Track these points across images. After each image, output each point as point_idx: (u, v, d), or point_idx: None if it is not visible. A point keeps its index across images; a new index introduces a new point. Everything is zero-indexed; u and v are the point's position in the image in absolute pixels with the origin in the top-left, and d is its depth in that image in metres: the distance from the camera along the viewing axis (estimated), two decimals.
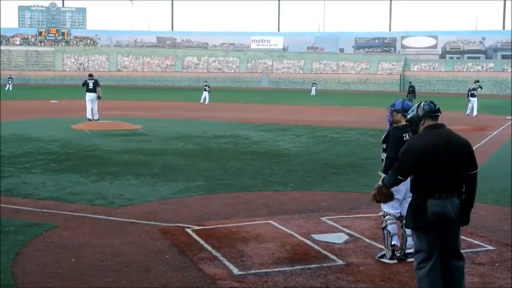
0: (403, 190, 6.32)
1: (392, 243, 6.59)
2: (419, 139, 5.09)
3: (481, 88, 32.83)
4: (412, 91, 36.62)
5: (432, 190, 4.92)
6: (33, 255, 6.73)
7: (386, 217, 6.65)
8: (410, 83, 39.68)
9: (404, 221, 6.03)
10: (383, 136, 6.82)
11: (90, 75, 25.31)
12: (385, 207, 6.63)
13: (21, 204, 9.28)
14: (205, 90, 40.92)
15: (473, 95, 30.94)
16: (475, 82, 33.08)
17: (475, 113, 30.45)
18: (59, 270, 6.29)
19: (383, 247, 6.82)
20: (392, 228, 6.62)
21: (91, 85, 24.12)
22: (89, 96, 24.08)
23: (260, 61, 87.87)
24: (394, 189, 6.01)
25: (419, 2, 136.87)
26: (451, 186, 4.95)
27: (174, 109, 34.21)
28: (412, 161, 5.01)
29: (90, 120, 23.79)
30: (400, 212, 6.61)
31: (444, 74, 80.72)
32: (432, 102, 5.23)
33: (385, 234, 6.65)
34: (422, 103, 5.26)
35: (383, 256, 6.69)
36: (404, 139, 6.31)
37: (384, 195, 5.49)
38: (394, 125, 6.77)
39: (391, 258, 6.61)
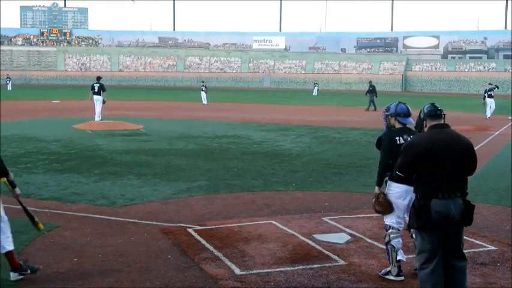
0: (405, 205, 5.96)
1: (398, 258, 6.08)
2: (421, 137, 5.17)
3: (498, 88, 32.54)
4: (372, 90, 36.39)
5: (435, 190, 4.93)
6: (35, 255, 6.73)
7: (389, 231, 6.13)
8: (370, 82, 39.20)
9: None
10: (375, 141, 6.43)
11: (98, 78, 25.90)
12: (388, 220, 6.16)
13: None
14: (202, 90, 40.93)
15: (490, 96, 30.64)
16: (490, 84, 32.92)
17: (489, 114, 30.12)
18: (61, 270, 6.30)
19: (386, 255, 6.39)
20: (396, 242, 6.10)
21: (96, 89, 25.15)
22: (94, 98, 25.04)
23: (262, 61, 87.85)
24: (394, 204, 5.98)
25: (421, 2, 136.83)
26: (454, 186, 4.97)
27: (175, 109, 34.23)
28: (411, 158, 5.05)
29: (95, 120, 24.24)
30: (403, 226, 6.17)
31: (446, 74, 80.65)
32: (433, 103, 5.28)
33: (389, 250, 6.15)
34: (424, 106, 5.31)
35: (388, 273, 6.17)
36: (398, 142, 5.97)
37: (381, 203, 5.41)
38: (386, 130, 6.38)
39: (397, 275, 6.09)
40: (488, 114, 30.05)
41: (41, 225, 6.55)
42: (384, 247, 6.82)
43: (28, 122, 24.18)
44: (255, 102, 44.17)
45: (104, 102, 24.89)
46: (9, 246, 6.04)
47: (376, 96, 35.79)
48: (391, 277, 6.12)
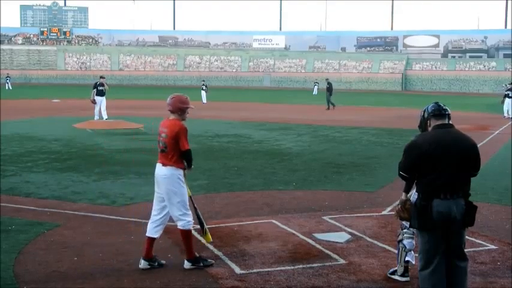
0: None
1: (407, 259, 6.01)
2: (424, 136, 5.11)
3: None
4: (329, 88, 36.46)
5: (437, 190, 4.90)
6: (35, 254, 6.74)
7: (404, 230, 6.04)
8: (327, 79, 39.05)
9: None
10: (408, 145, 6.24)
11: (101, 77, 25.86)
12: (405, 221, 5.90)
13: (23, 203, 9.29)
14: (202, 89, 40.94)
15: (509, 96, 30.43)
16: (506, 84, 32.78)
17: (506, 114, 30.01)
18: (61, 269, 6.30)
19: (396, 253, 6.29)
20: (408, 243, 6.01)
21: None
22: None
23: (262, 60, 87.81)
24: None
25: (421, 1, 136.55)
26: (456, 186, 4.93)
27: None
28: (413, 157, 5.01)
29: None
30: None
31: (446, 73, 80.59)
32: (437, 102, 5.21)
33: (400, 249, 6.08)
34: (428, 105, 5.25)
35: (394, 272, 6.13)
36: None
37: (408, 210, 5.25)
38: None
39: (402, 275, 6.03)
40: (506, 114, 29.93)
41: (209, 237, 6.78)
42: (385, 247, 6.83)
43: (28, 121, 24.18)
44: (255, 101, 44.16)
45: (91, 101, 24.70)
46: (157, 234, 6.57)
47: (331, 95, 35.95)
48: (396, 277, 6.06)
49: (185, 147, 6.44)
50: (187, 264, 6.37)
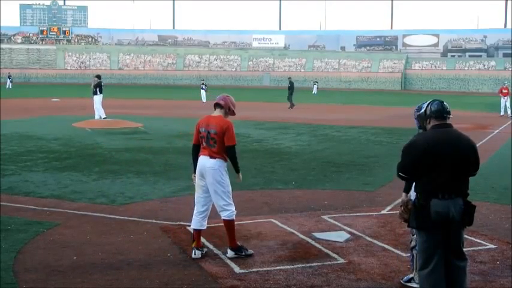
0: None
1: None
2: (423, 136, 5.08)
3: None
4: (290, 87, 36.57)
5: (436, 190, 4.88)
6: (35, 253, 6.74)
7: (415, 236, 5.65)
8: (289, 78, 39.13)
9: None
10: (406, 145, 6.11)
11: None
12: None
13: (22, 203, 9.29)
14: (202, 89, 40.95)
15: None
16: None
17: (504, 112, 30.10)
18: (61, 268, 6.30)
19: (410, 260, 6.07)
20: None
21: None
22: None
23: (261, 59, 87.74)
24: None
25: (420, 1, 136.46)
26: (455, 186, 4.91)
27: (175, 107, 34.21)
28: (412, 157, 4.98)
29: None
30: None
31: (446, 72, 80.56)
32: (442, 102, 5.10)
33: (414, 255, 5.81)
34: (433, 102, 5.16)
35: (410, 280, 5.92)
36: None
37: (410, 211, 5.12)
38: (420, 131, 5.87)
39: None
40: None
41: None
42: (384, 246, 6.82)
43: (27, 120, 24.17)
44: (254, 100, 44.14)
45: None
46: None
47: (292, 94, 35.93)
48: (414, 284, 5.85)
49: (233, 142, 6.76)
50: (230, 253, 6.65)
